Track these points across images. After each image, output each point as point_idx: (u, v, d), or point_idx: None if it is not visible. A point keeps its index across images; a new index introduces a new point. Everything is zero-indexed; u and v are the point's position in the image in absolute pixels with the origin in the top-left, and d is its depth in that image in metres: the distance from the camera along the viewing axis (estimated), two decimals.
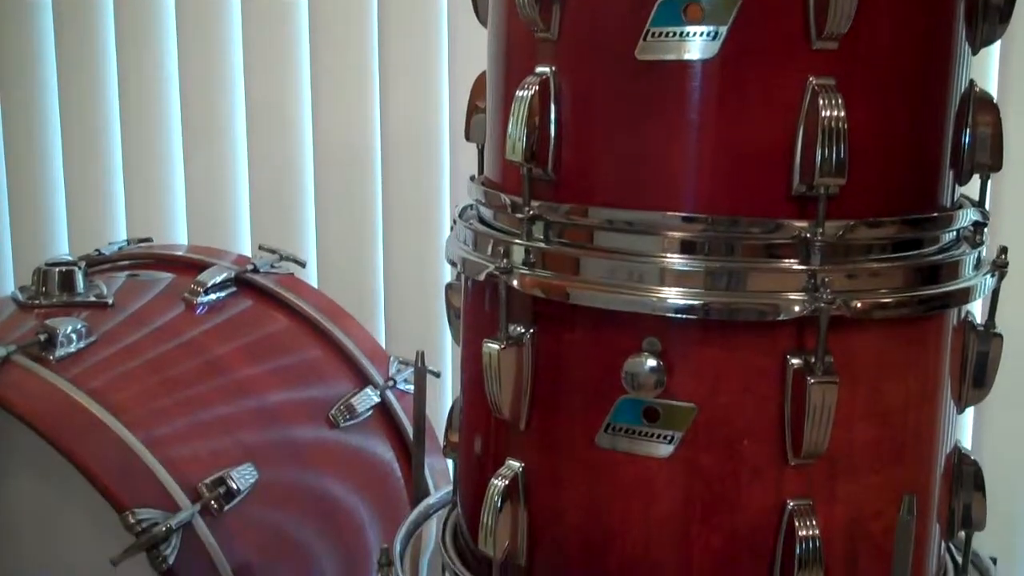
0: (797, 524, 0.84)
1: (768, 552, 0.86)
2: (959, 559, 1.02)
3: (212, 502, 1.20)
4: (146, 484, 1.16)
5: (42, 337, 1.25)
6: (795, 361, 0.83)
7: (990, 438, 1.63)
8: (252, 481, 1.25)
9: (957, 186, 0.92)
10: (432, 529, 1.16)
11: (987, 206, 0.95)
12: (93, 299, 1.40)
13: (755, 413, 0.85)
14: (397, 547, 1.10)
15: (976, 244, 0.92)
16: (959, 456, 0.97)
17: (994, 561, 1.06)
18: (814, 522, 0.85)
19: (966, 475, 0.96)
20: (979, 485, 0.97)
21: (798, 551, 0.84)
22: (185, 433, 1.26)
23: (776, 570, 0.86)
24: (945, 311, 0.90)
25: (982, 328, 0.93)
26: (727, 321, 0.84)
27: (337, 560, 1.38)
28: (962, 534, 0.99)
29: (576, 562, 0.91)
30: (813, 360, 0.82)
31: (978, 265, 0.91)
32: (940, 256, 0.89)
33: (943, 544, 0.98)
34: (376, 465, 1.51)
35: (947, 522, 0.96)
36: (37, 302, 1.38)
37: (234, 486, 1.22)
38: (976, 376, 0.94)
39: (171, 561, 1.12)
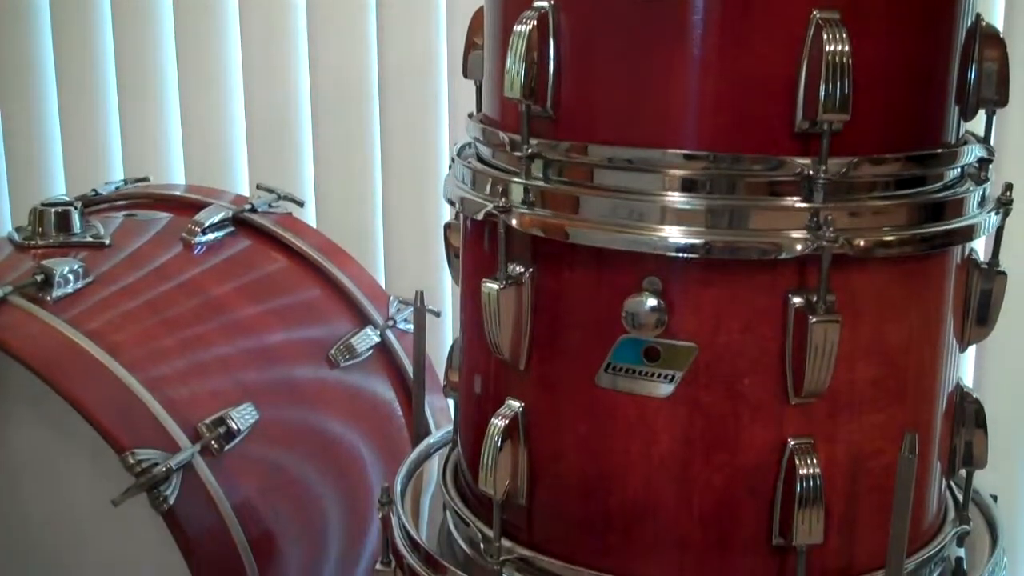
0: (798, 463, 0.84)
1: (769, 491, 0.86)
2: (960, 497, 1.02)
3: (212, 442, 1.20)
4: (145, 424, 1.16)
5: (39, 278, 1.24)
6: (797, 300, 0.82)
7: (991, 376, 1.62)
8: (252, 421, 1.25)
9: (962, 122, 0.91)
10: (433, 468, 1.16)
11: (992, 142, 0.94)
12: (90, 239, 1.39)
13: (756, 352, 0.84)
14: (398, 486, 1.10)
15: (981, 181, 0.91)
16: (961, 394, 0.96)
17: (995, 498, 1.06)
18: (815, 460, 0.84)
19: (968, 413, 0.96)
20: (981, 423, 0.96)
21: (799, 489, 0.84)
22: (184, 373, 1.26)
23: (776, 508, 0.86)
24: (949, 249, 0.89)
25: (986, 266, 0.92)
26: (728, 260, 0.83)
27: (339, 499, 1.39)
28: (963, 472, 0.99)
29: (576, 501, 0.91)
30: (815, 299, 0.81)
31: (982, 202, 0.90)
32: (944, 193, 0.88)
33: (944, 482, 0.98)
34: (377, 404, 1.51)
35: (948, 460, 0.96)
36: (33, 243, 1.37)
37: (234, 426, 1.22)
38: (979, 314, 0.93)
39: (172, 501, 1.12)
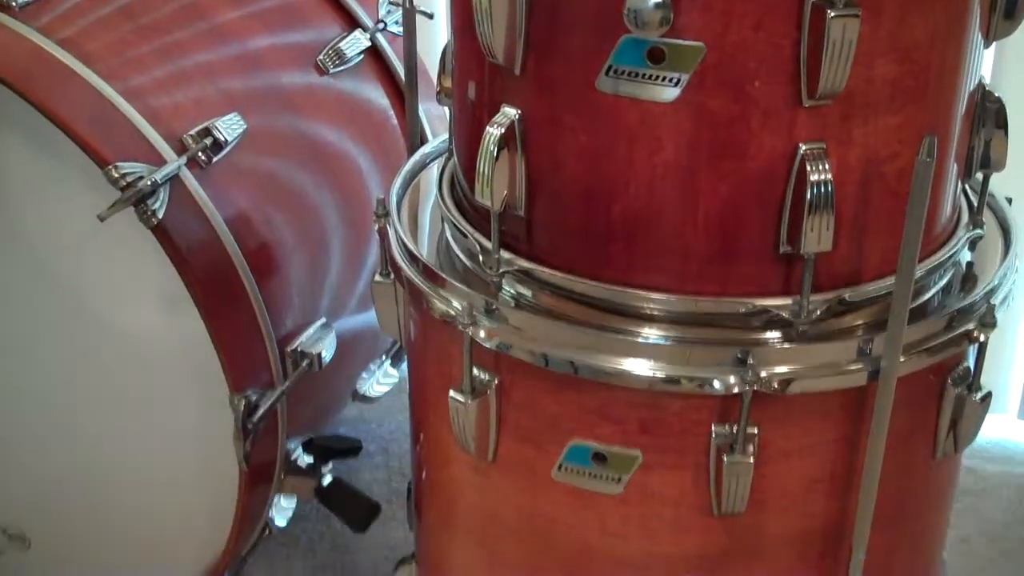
0: (809, 168, 0.80)
1: (777, 199, 0.82)
2: (974, 200, 0.98)
3: (199, 154, 1.15)
4: (128, 137, 1.11)
5: None
6: None
7: (1011, 74, 1.56)
8: (240, 131, 1.20)
9: None
10: (431, 178, 1.12)
11: None
12: None
13: (768, 51, 0.78)
14: (394, 197, 1.07)
15: None
16: (982, 93, 0.91)
17: (1009, 201, 1.03)
18: (826, 166, 0.80)
19: (988, 113, 0.92)
20: (1001, 123, 0.92)
21: (808, 196, 0.80)
22: (165, 83, 1.19)
23: (785, 216, 0.83)
24: None
25: None
26: None
27: (336, 209, 1.37)
28: (979, 175, 0.95)
29: (577, 211, 0.87)
30: None
31: None
32: None
33: (959, 185, 0.95)
34: (370, 112, 1.46)
35: (965, 162, 0.93)
36: None
37: (221, 137, 1.17)
38: (1007, 6, 0.87)
39: (160, 215, 1.08)
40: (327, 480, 1.37)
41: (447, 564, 1.12)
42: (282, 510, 1.39)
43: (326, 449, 1.38)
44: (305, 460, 1.36)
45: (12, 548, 1.39)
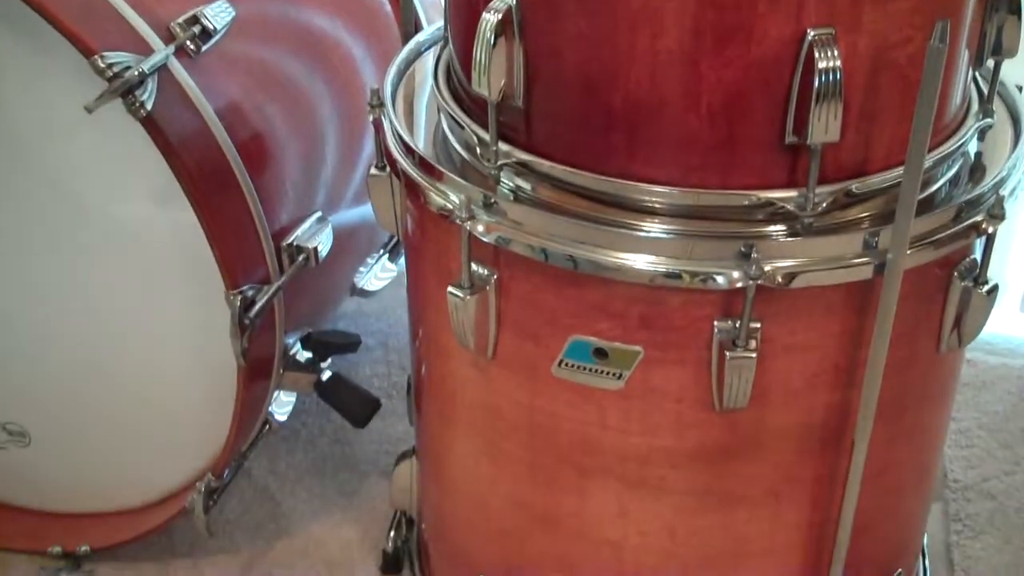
0: (817, 55, 0.77)
1: (784, 87, 0.80)
2: (985, 89, 0.96)
3: (187, 43, 1.11)
4: (113, 25, 1.07)
5: None
6: None
7: None
8: (229, 19, 1.16)
9: None
10: (427, 67, 1.10)
11: None
12: None
13: None
14: (388, 87, 1.04)
15: None
16: None
17: (1020, 89, 1.00)
18: (835, 53, 0.78)
19: None
20: (1015, 8, 0.89)
21: (816, 84, 0.78)
22: None
23: (791, 105, 0.80)
24: None
25: None
26: None
27: (330, 98, 1.34)
28: (991, 62, 0.92)
29: (577, 101, 0.85)
30: None
31: None
32: None
33: (970, 73, 0.92)
34: None
35: (977, 49, 0.89)
36: None
37: (209, 25, 1.13)
38: None
39: (149, 107, 1.05)
40: (326, 375, 1.36)
41: (447, 458, 1.11)
42: (282, 405, 1.39)
43: (325, 344, 1.37)
44: (304, 355, 1.35)
45: (12, 444, 1.39)
